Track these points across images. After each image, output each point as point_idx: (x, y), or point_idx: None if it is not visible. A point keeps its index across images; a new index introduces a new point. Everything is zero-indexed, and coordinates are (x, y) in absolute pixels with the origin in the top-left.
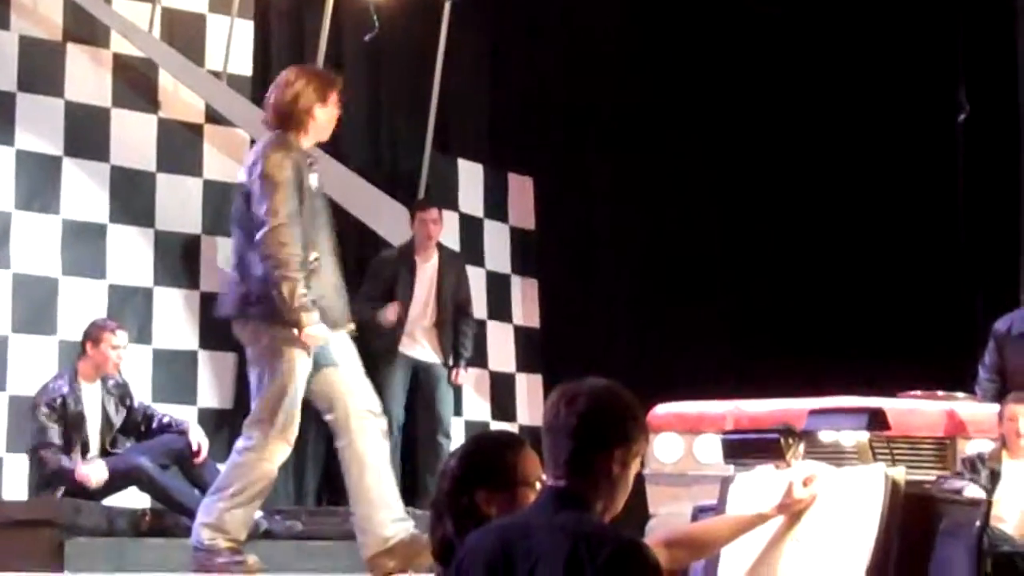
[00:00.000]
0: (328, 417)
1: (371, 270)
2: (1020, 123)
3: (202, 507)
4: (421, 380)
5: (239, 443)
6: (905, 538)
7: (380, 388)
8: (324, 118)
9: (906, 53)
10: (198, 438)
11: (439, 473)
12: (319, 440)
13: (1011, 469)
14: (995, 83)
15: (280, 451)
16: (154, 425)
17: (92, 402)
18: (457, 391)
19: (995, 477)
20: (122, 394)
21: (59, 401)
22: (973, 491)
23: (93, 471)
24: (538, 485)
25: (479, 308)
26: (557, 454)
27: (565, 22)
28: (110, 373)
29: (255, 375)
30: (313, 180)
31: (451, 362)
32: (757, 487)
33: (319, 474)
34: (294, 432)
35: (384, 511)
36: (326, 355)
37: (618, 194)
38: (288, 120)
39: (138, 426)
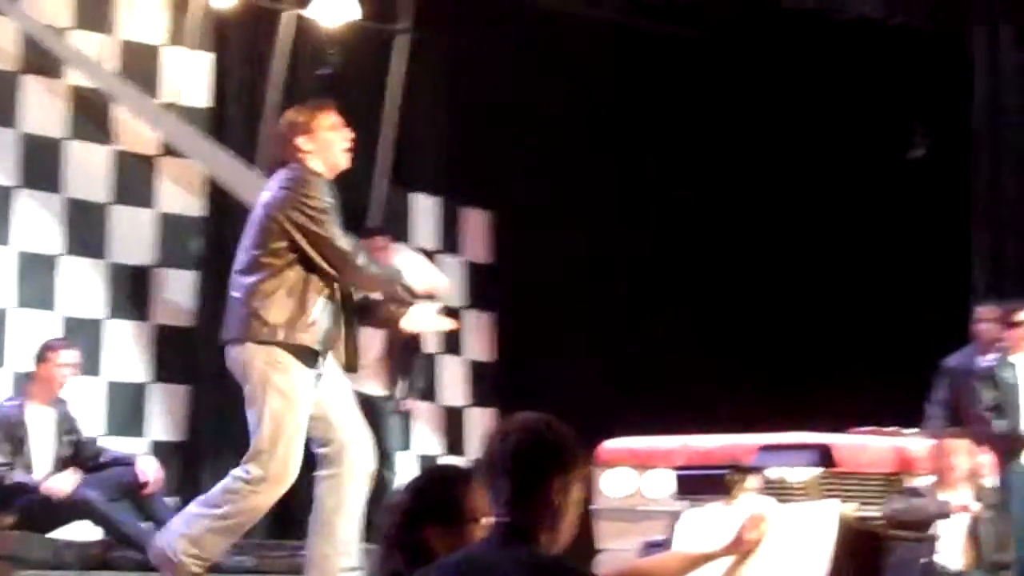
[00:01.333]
0: (322, 450)
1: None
2: (972, 158)
3: (185, 515)
4: (366, 414)
5: (236, 471)
6: (854, 573)
7: None
8: (321, 144)
9: (862, 90)
10: (145, 468)
11: (388, 507)
12: None
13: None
14: (949, 119)
15: (276, 489)
16: (103, 459)
17: (39, 426)
18: (406, 425)
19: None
20: (69, 428)
21: (7, 422)
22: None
23: (62, 482)
24: (484, 521)
25: (430, 342)
26: (498, 491)
27: (522, 55)
28: (59, 394)
29: (253, 406)
30: None
31: (399, 393)
32: (706, 523)
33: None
34: (295, 468)
35: (344, 558)
36: (323, 384)
37: (574, 228)
38: (291, 156)
39: (87, 461)
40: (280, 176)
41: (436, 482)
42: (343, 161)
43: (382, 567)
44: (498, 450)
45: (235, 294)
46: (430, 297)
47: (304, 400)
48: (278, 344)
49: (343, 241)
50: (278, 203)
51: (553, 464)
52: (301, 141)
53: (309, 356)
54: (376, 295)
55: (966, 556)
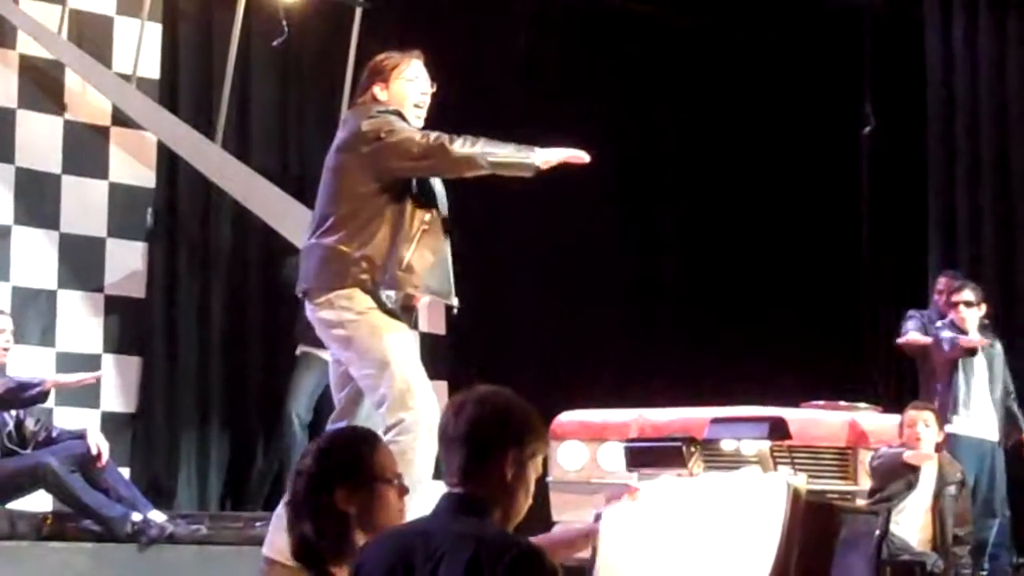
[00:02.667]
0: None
1: (284, 273)
2: (925, 136)
3: None
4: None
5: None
6: (806, 547)
7: (288, 387)
8: (393, 96)
9: (813, 66)
10: (97, 441)
11: (294, 472)
12: (223, 445)
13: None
14: (900, 96)
15: (425, 424)
16: (54, 435)
17: None
18: None
19: (910, 486)
20: None
21: None
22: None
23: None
24: (396, 481)
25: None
26: (452, 462)
27: (474, 29)
28: (3, 363)
29: (355, 349)
30: None
31: None
32: (659, 495)
33: (222, 479)
34: (428, 397)
35: None
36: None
37: (523, 199)
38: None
39: (35, 435)
40: (345, 122)
41: (342, 443)
42: (411, 117)
43: (290, 533)
44: (453, 421)
45: (325, 241)
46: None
47: (406, 339)
48: (374, 288)
49: (420, 136)
50: (346, 146)
51: (508, 436)
52: (377, 90)
53: (404, 302)
54: None
55: (923, 532)
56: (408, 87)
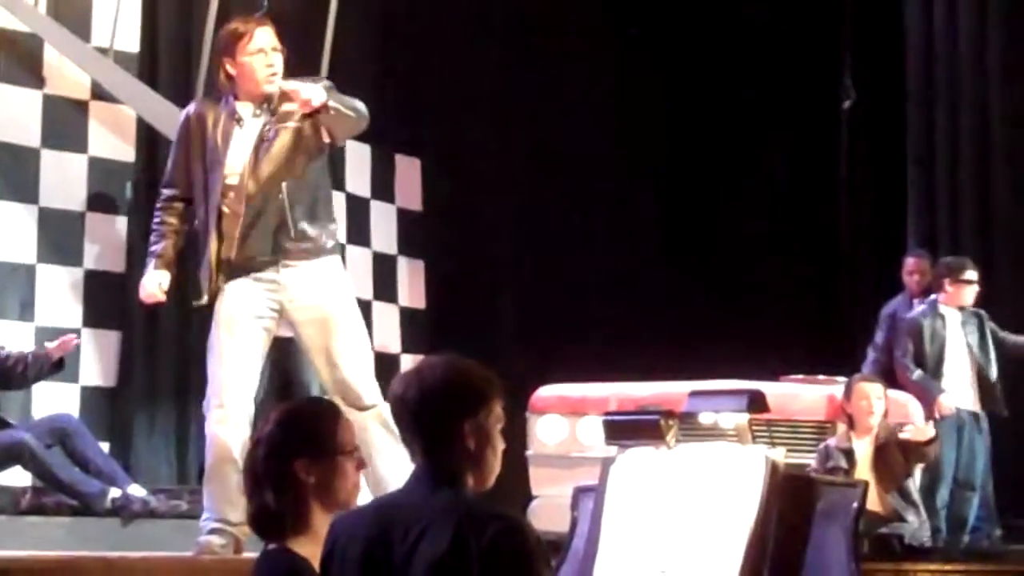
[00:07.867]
0: None
1: None
2: (905, 110)
3: None
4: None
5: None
6: (783, 519)
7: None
8: (242, 70)
9: (793, 40)
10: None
11: (253, 439)
12: (202, 419)
13: (858, 448)
14: (881, 70)
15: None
16: (10, 364)
17: None
18: None
19: (850, 456)
20: None
21: None
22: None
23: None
24: (355, 455)
25: (365, 289)
26: (412, 440)
27: (454, 2)
28: None
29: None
30: (229, 131)
31: None
32: (638, 468)
33: (201, 454)
34: (248, 400)
35: None
36: None
37: (504, 176)
38: (221, 83)
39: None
40: None
41: (304, 414)
42: (263, 89)
43: (250, 501)
44: (404, 400)
45: None
46: None
47: (232, 314)
48: None
49: None
50: None
51: (459, 410)
52: (227, 66)
53: None
54: None
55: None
56: (255, 60)
